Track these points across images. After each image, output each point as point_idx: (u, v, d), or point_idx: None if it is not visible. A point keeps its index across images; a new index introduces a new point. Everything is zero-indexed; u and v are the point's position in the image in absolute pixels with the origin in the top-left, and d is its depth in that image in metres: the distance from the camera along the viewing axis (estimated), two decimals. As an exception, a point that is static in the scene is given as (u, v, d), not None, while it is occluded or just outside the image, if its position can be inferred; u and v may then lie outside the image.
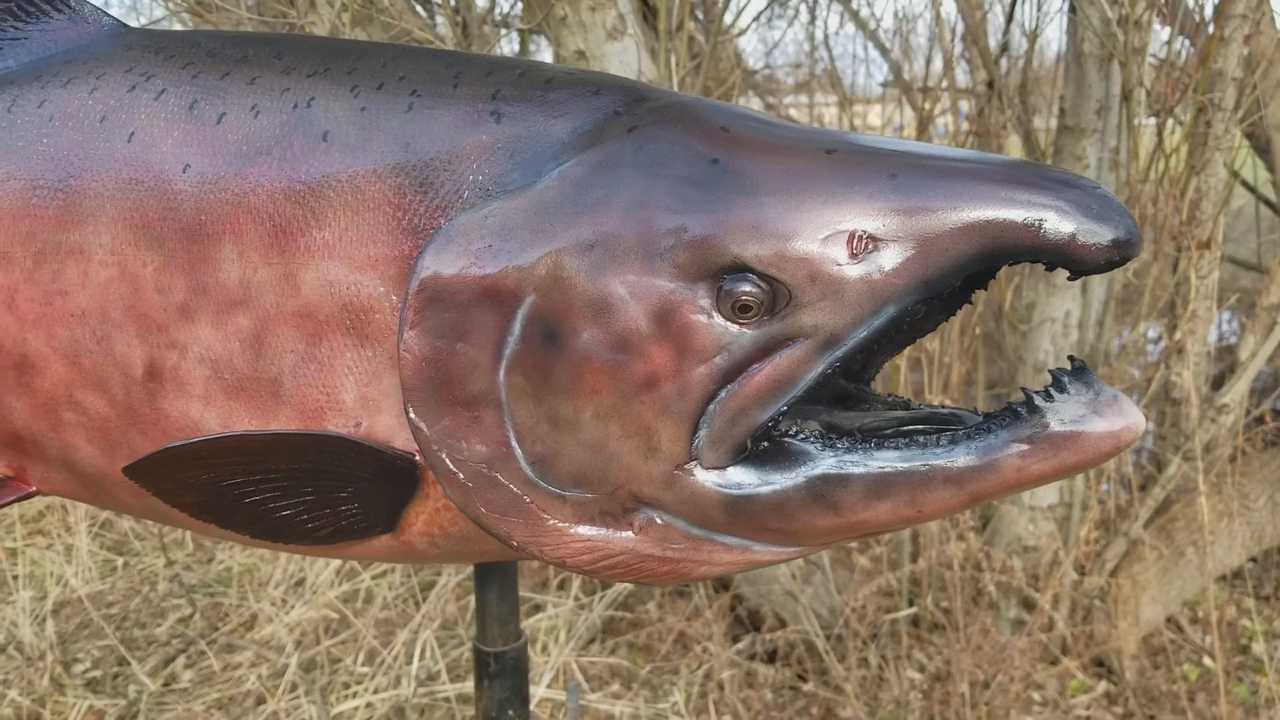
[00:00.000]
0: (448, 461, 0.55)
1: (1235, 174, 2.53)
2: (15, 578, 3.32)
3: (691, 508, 0.54)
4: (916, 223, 0.50)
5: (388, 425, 0.59)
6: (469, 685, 2.38)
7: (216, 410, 0.64)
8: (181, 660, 2.82)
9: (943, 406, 0.55)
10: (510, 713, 0.91)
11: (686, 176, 0.53)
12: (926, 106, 2.77)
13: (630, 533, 0.55)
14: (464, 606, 2.70)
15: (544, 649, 2.60)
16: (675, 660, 2.75)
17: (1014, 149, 2.92)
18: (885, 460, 0.51)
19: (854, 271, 0.50)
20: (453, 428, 0.55)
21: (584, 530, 0.55)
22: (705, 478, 0.53)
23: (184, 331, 0.63)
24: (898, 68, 3.90)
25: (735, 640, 2.69)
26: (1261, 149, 2.93)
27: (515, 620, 0.91)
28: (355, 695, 2.38)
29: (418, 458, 0.58)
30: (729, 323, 0.52)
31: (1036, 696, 2.51)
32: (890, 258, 0.50)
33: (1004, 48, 2.74)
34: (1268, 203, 3.57)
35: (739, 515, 0.53)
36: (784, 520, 0.53)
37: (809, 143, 0.54)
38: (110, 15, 0.76)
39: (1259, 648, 2.76)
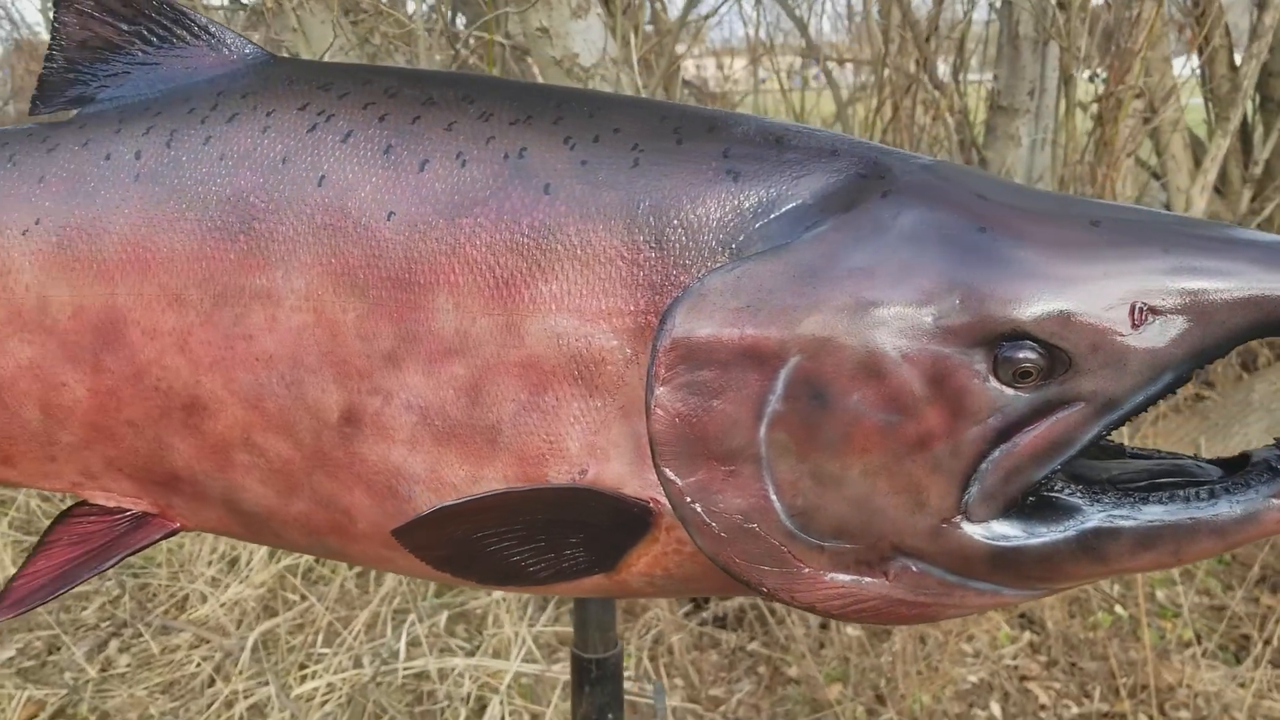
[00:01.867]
0: (701, 514, 0.58)
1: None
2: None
3: (954, 559, 0.57)
4: (1194, 296, 0.54)
5: (617, 473, 0.61)
6: (436, 662, 2.39)
7: (423, 456, 0.64)
8: (115, 644, 2.75)
9: (1179, 455, 0.60)
10: (610, 716, 0.94)
11: (957, 243, 0.56)
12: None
13: (884, 580, 0.58)
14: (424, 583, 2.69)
15: (495, 621, 2.62)
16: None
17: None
18: (1152, 514, 0.55)
19: (1136, 341, 0.54)
20: (707, 481, 0.57)
21: (839, 578, 0.58)
22: (972, 531, 0.57)
23: (390, 378, 0.64)
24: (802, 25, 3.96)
25: (684, 609, 2.76)
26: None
27: (614, 627, 0.94)
28: (316, 676, 2.37)
29: (651, 505, 0.60)
30: (1005, 386, 0.55)
31: (968, 648, 2.65)
32: (1170, 329, 0.54)
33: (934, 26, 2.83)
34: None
35: (1003, 566, 0.57)
36: (1048, 570, 0.57)
37: (1072, 213, 0.57)
38: (254, 44, 0.74)
39: (1161, 594, 2.97)
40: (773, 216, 0.59)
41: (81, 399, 0.70)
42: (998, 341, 0.55)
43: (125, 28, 0.74)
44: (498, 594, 2.61)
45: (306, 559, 2.92)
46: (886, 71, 2.84)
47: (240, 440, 0.68)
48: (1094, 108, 2.36)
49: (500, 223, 0.62)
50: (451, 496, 0.65)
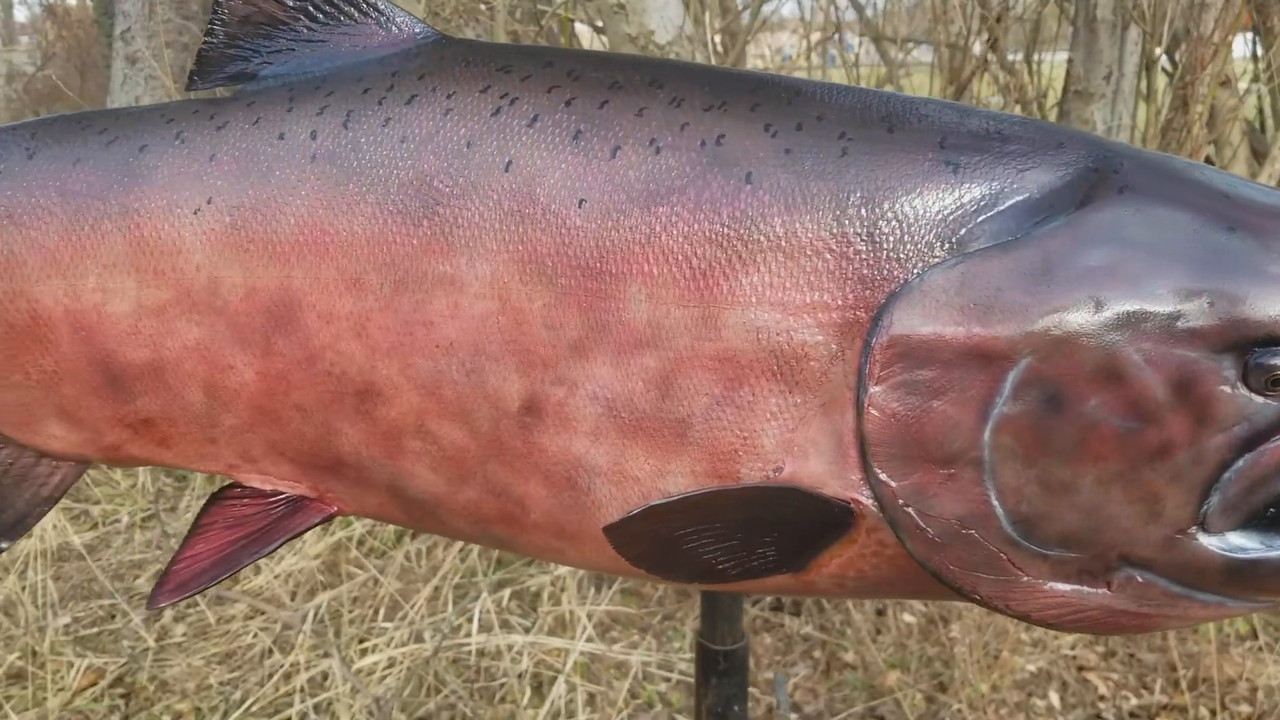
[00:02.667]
0: (915, 518, 0.56)
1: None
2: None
3: (1185, 570, 0.56)
4: None
5: (816, 472, 0.59)
6: (497, 639, 2.40)
7: (606, 448, 0.63)
8: (170, 613, 2.76)
9: None
10: (735, 708, 0.93)
11: (1205, 244, 0.54)
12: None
13: (1106, 590, 0.57)
14: (490, 556, 2.69)
15: (551, 598, 2.62)
16: (670, 605, 2.81)
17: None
18: None
19: None
20: (924, 484, 0.56)
21: (1059, 587, 0.56)
22: (1208, 542, 0.55)
23: (575, 368, 0.62)
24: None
25: (739, 588, 2.75)
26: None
27: (741, 619, 0.93)
28: (376, 650, 2.37)
29: (853, 506, 0.59)
30: (1254, 394, 0.53)
31: (1026, 637, 2.63)
32: None
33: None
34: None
35: (1237, 578, 0.56)
36: None
37: None
38: (424, 23, 0.73)
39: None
40: (996, 211, 0.57)
41: (249, 382, 0.69)
42: (1249, 348, 0.53)
43: (291, 3, 0.72)
44: (561, 570, 2.61)
45: (361, 531, 2.92)
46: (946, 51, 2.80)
47: (413, 427, 0.67)
48: (1169, 95, 2.32)
49: (698, 212, 0.60)
50: (635, 490, 0.63)
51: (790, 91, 0.63)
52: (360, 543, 2.92)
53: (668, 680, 2.51)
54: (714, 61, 2.17)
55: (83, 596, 2.83)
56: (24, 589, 2.69)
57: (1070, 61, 2.56)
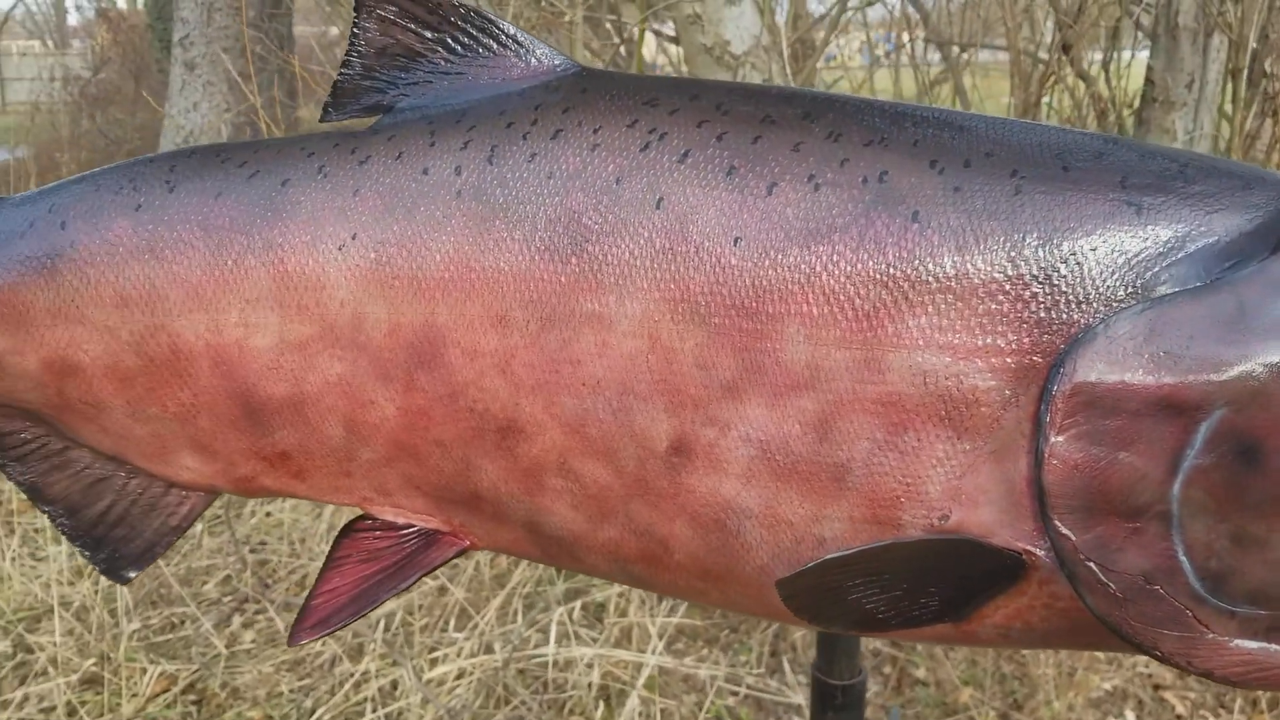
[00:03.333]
0: (1097, 571, 0.54)
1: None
2: (38, 531, 3.24)
3: None
4: None
5: (984, 521, 0.58)
6: (567, 651, 2.39)
7: (758, 490, 0.62)
8: (238, 620, 2.79)
9: None
10: (851, 741, 0.91)
11: None
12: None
13: None
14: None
15: (618, 609, 2.61)
16: (734, 618, 2.78)
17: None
18: None
19: None
20: (1107, 538, 0.54)
21: (1246, 645, 0.55)
22: None
23: (728, 409, 0.61)
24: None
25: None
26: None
27: (859, 654, 0.91)
28: (447, 660, 2.38)
29: (1024, 557, 0.57)
30: None
31: (1101, 654, 2.59)
32: None
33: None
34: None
35: None
36: None
37: None
38: (564, 55, 0.72)
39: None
40: (1183, 255, 0.55)
41: (389, 417, 0.69)
42: None
43: (429, 35, 0.72)
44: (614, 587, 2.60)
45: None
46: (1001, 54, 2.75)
47: (555, 465, 0.66)
48: (1255, 104, 2.27)
49: (862, 251, 0.59)
50: (787, 534, 0.62)
51: (952, 126, 0.61)
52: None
53: (735, 694, 2.49)
54: (788, 70, 2.15)
55: (151, 602, 2.85)
56: (96, 594, 2.72)
57: (1150, 69, 2.51)
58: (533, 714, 2.32)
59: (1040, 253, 0.56)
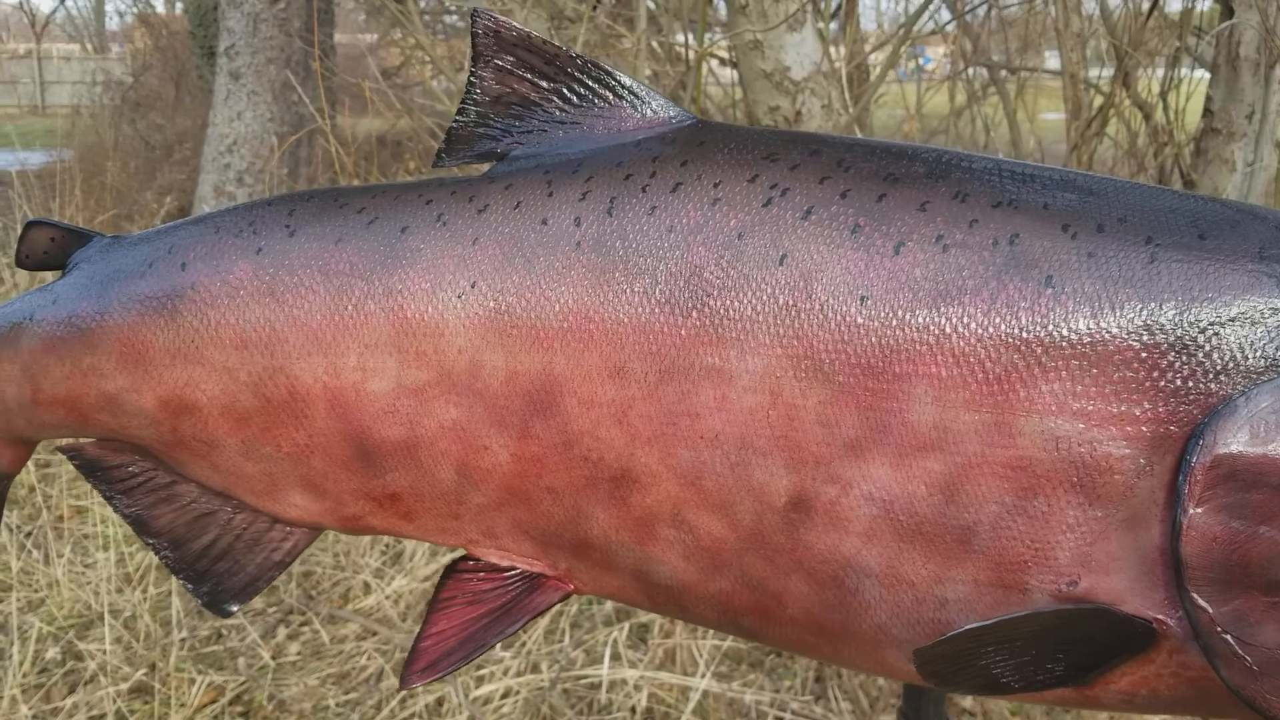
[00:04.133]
0: (1234, 644, 0.54)
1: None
2: (86, 537, 3.27)
3: None
4: None
5: (1114, 588, 0.57)
6: (615, 673, 2.39)
7: (879, 550, 0.62)
8: (283, 632, 2.81)
9: None
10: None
11: None
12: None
13: None
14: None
15: (663, 630, 2.61)
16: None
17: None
18: None
19: None
20: (1245, 611, 0.54)
21: None
22: None
23: (850, 468, 0.61)
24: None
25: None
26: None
27: (945, 702, 0.91)
28: (493, 678, 2.38)
29: (1155, 626, 0.57)
30: None
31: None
32: None
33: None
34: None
35: None
36: None
37: None
38: (679, 107, 0.72)
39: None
40: None
41: (502, 463, 0.69)
42: None
43: (545, 85, 0.72)
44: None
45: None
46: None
47: (669, 516, 0.67)
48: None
49: (993, 315, 0.59)
50: (908, 595, 0.62)
51: (1082, 189, 0.62)
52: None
53: (780, 718, 2.49)
54: (846, 96, 2.15)
55: (198, 612, 2.87)
56: (145, 601, 2.75)
57: (1209, 99, 2.50)
58: (578, 734, 2.32)
59: (1177, 322, 0.56)
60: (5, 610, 2.87)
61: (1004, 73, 3.73)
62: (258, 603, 2.93)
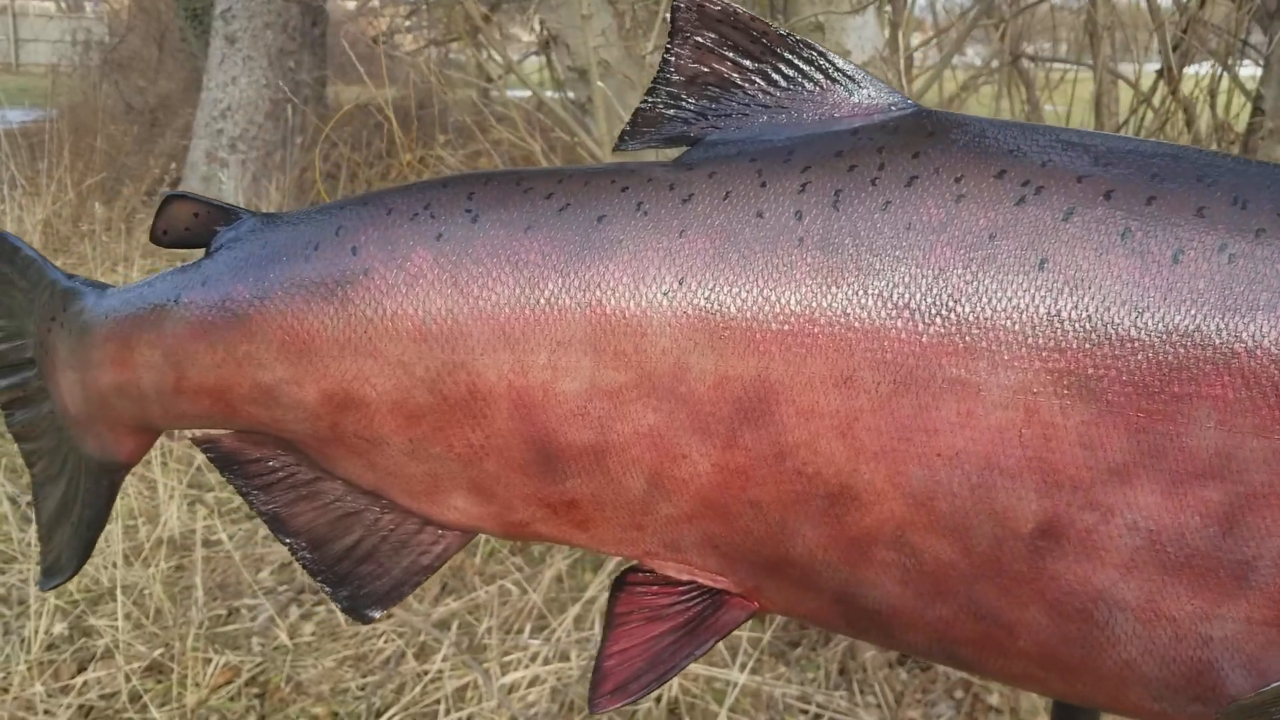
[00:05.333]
0: None
1: None
2: (87, 508, 3.19)
3: None
4: None
5: None
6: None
7: (1139, 583, 0.57)
8: (296, 611, 2.75)
9: None
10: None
11: None
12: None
13: None
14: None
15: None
16: (794, 632, 2.74)
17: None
18: None
19: None
20: None
21: None
22: None
23: (1113, 494, 0.57)
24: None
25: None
26: None
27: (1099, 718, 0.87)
28: (521, 665, 2.34)
29: None
30: None
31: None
32: None
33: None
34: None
35: None
36: None
37: None
38: (899, 93, 0.67)
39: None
40: None
41: (701, 474, 0.64)
42: None
43: (750, 65, 0.67)
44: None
45: (491, 545, 2.89)
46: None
47: (889, 537, 0.62)
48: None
49: None
50: (1166, 631, 0.58)
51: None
52: (491, 554, 2.89)
53: (805, 712, 2.46)
54: (904, 79, 2.10)
55: (206, 589, 2.81)
56: (155, 579, 2.68)
57: (1259, 97, 2.46)
58: (606, 725, 2.27)
59: None
60: (8, 582, 2.79)
61: (1030, 64, 3.69)
62: (269, 581, 2.87)
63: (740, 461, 0.63)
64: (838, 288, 0.60)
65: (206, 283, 0.70)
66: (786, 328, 0.61)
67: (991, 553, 0.60)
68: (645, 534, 0.68)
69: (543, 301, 0.64)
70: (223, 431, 0.75)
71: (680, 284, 0.63)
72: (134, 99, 9.40)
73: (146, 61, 10.52)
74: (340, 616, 2.68)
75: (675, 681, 2.35)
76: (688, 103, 0.68)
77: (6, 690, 2.29)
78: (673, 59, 0.68)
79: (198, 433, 0.75)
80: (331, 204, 0.71)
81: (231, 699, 2.40)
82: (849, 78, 0.66)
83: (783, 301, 0.61)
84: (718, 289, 0.62)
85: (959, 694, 2.56)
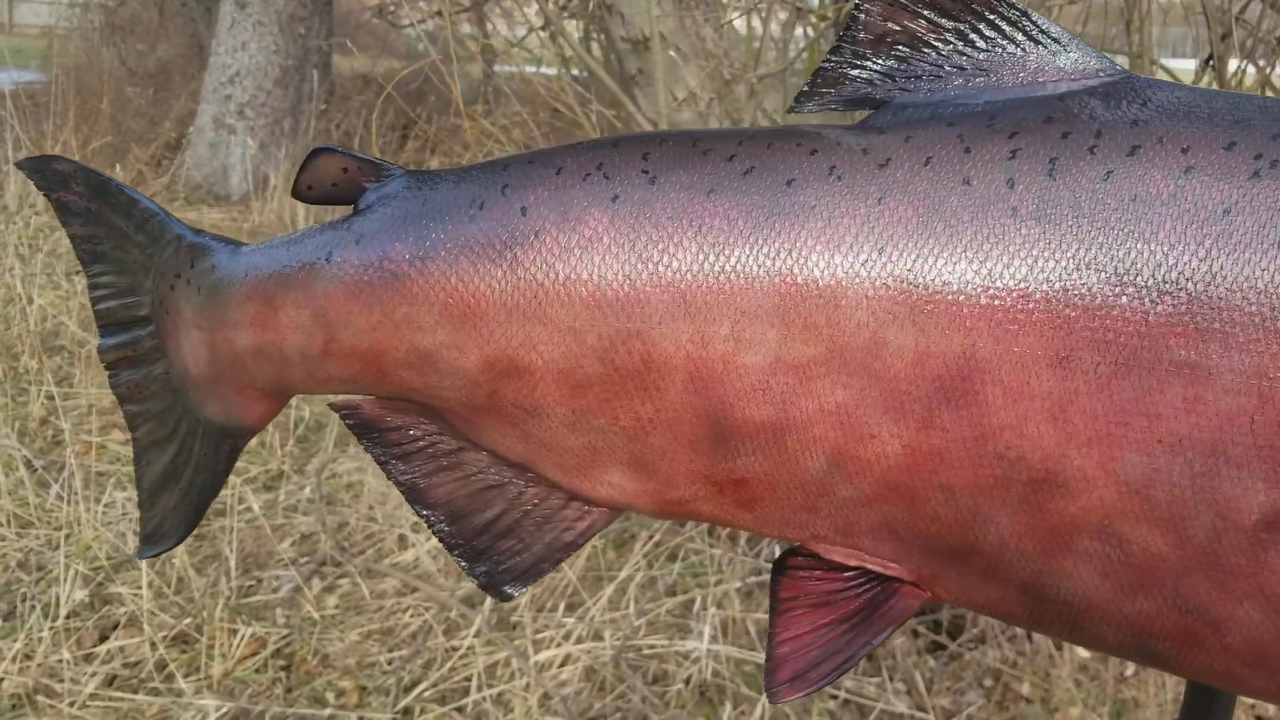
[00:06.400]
0: None
1: None
2: (102, 475, 3.16)
3: None
4: None
5: None
6: (682, 644, 2.33)
7: None
8: (318, 584, 2.72)
9: None
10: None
11: None
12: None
13: None
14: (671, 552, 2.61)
15: (717, 603, 2.55)
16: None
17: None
18: None
19: None
20: None
21: None
22: None
23: None
24: None
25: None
26: None
27: (1232, 710, 0.85)
28: (553, 645, 2.31)
29: None
30: None
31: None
32: None
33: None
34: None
35: None
36: None
37: None
38: (1106, 56, 0.64)
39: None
40: None
41: (889, 455, 0.61)
42: None
43: (946, 24, 0.63)
44: (729, 583, 2.53)
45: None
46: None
47: (1095, 527, 0.59)
48: None
49: None
50: None
51: None
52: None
53: (834, 698, 2.44)
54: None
55: (239, 560, 2.77)
56: (182, 548, 2.64)
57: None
58: (637, 704, 2.25)
59: None
60: (26, 547, 2.76)
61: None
62: (290, 552, 2.84)
63: (935, 443, 0.60)
64: (1055, 262, 0.57)
65: (361, 241, 0.67)
66: (997, 303, 0.58)
67: (1208, 545, 0.57)
68: (817, 517, 0.65)
69: (728, 269, 0.61)
70: (364, 398, 0.71)
71: (880, 253, 0.59)
72: (133, 63, 9.30)
73: (146, 26, 10.40)
74: (364, 589, 2.65)
75: (706, 662, 2.33)
76: (874, 63, 0.65)
77: (31, 657, 2.26)
78: (862, 16, 0.64)
79: (336, 399, 0.72)
80: (492, 161, 0.67)
81: (258, 670, 2.37)
82: (1053, 39, 0.63)
83: (994, 275, 0.58)
84: (921, 260, 0.59)
85: (989, 683, 2.54)
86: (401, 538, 2.88)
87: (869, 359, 0.60)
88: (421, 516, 0.72)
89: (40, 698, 2.19)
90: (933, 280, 0.59)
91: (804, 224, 0.61)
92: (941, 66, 0.64)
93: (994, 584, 0.64)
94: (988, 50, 0.63)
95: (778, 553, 2.67)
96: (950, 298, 0.58)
